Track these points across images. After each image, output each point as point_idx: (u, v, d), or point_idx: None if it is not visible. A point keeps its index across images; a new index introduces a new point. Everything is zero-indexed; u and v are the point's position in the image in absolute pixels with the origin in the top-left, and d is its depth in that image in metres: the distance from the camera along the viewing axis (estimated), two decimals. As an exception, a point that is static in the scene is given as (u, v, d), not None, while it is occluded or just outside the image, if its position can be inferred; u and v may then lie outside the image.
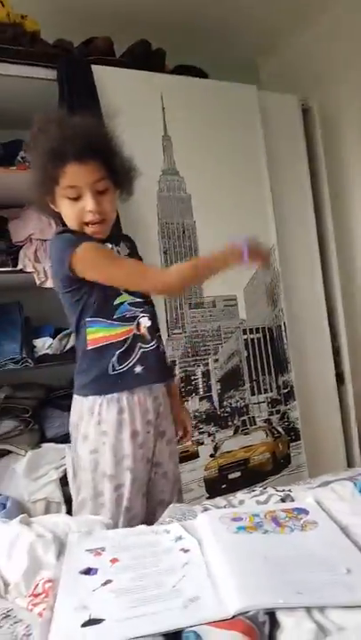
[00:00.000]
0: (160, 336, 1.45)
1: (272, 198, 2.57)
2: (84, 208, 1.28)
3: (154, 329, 1.40)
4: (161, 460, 1.41)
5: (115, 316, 1.34)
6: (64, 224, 2.24)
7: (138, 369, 1.35)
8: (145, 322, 1.36)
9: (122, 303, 1.35)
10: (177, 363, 2.21)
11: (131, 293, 1.36)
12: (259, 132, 2.57)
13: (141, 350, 1.36)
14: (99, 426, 1.34)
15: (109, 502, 1.32)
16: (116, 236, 1.45)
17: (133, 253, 1.49)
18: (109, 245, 1.38)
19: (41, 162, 1.28)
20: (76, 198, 1.28)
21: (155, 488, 1.41)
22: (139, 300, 1.37)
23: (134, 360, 1.35)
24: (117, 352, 1.34)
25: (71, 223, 1.33)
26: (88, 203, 1.28)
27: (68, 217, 1.33)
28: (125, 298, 1.35)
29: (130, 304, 1.36)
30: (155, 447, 1.40)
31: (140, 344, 1.36)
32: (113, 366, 1.34)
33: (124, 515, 1.32)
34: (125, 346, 1.34)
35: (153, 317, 1.41)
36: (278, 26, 2.93)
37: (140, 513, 1.35)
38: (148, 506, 1.39)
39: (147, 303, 1.40)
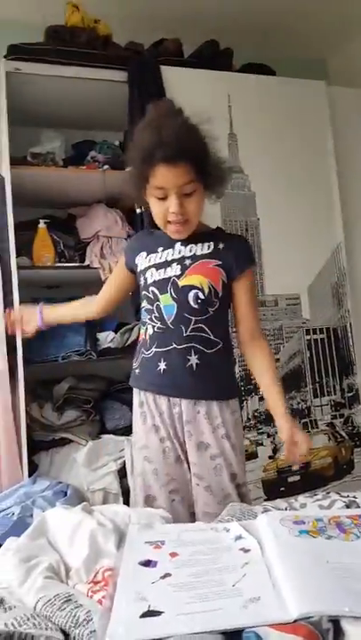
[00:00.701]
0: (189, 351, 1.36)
1: (340, 195, 2.51)
2: (168, 208, 1.30)
3: (160, 340, 1.37)
4: (200, 473, 1.38)
5: (140, 318, 1.46)
6: (130, 222, 2.30)
7: (137, 371, 1.44)
8: (149, 329, 1.39)
9: (142, 307, 1.43)
10: (237, 361, 2.19)
11: (147, 300, 1.40)
12: (327, 129, 2.53)
13: (142, 356, 1.42)
14: (134, 412, 1.46)
15: (138, 486, 1.43)
16: (207, 234, 1.42)
17: (215, 257, 1.38)
18: (179, 248, 1.38)
19: (136, 159, 1.31)
20: (163, 198, 1.30)
21: (199, 498, 1.39)
22: (150, 307, 1.39)
23: (138, 362, 1.44)
24: (136, 350, 1.46)
25: (156, 220, 1.37)
26: (172, 204, 1.29)
27: (154, 214, 1.36)
28: (144, 304, 1.42)
29: (145, 310, 1.42)
30: (185, 450, 1.39)
31: (142, 349, 1.42)
32: (133, 362, 1.47)
33: (144, 502, 1.38)
34: (137, 347, 1.46)
35: (163, 330, 1.37)
36: (347, 21, 2.87)
37: (166, 507, 1.34)
38: (196, 514, 1.39)
39: (158, 314, 1.38)
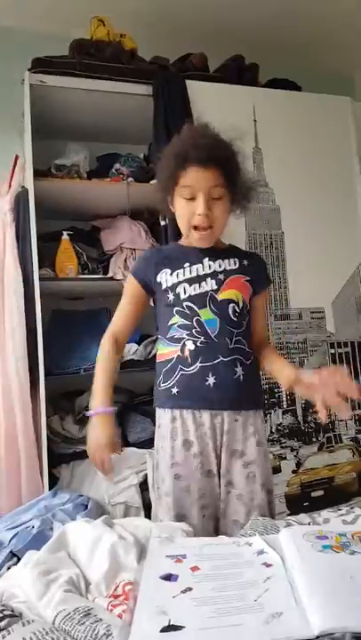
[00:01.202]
0: (231, 362, 1.34)
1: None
2: (195, 211, 1.32)
3: (206, 354, 1.34)
4: (233, 480, 1.36)
5: (167, 336, 1.38)
6: (154, 235, 2.31)
7: (174, 390, 1.35)
8: (189, 345, 1.34)
9: (173, 324, 1.37)
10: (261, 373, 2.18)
11: (181, 316, 1.36)
12: (352, 144, 2.54)
13: (181, 373, 1.35)
14: (159, 429, 1.40)
15: (165, 506, 1.36)
16: (229, 250, 1.45)
17: (243, 273, 1.41)
18: (208, 263, 1.38)
19: (166, 163, 1.34)
20: (190, 199, 1.32)
21: (228, 507, 1.37)
22: (188, 322, 1.36)
23: (173, 381, 1.36)
24: (163, 370, 1.38)
25: (181, 224, 1.39)
26: (200, 206, 1.31)
27: (179, 217, 1.38)
28: (176, 320, 1.37)
29: (179, 326, 1.37)
30: (219, 462, 1.36)
31: (180, 366, 1.35)
32: (159, 383, 1.39)
33: (176, 521, 1.32)
34: (169, 366, 1.37)
35: (207, 344, 1.34)
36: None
37: (197, 523, 1.32)
38: (222, 524, 1.37)
39: (201, 327, 1.35)
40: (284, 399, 2.24)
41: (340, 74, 3.17)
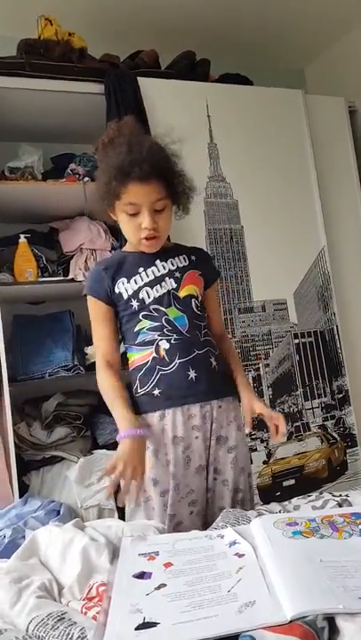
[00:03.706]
0: (201, 355, 1.38)
1: (320, 200, 2.54)
2: (140, 225, 1.33)
3: (182, 350, 1.35)
4: (220, 467, 1.40)
5: (137, 342, 1.39)
6: (113, 234, 2.29)
7: (156, 391, 1.36)
8: (163, 344, 1.36)
9: (142, 329, 1.38)
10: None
11: (149, 319, 1.37)
12: (306, 136, 2.57)
13: (160, 373, 1.36)
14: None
15: (158, 507, 1.34)
16: (175, 248, 1.47)
17: (195, 267, 1.45)
18: (161, 264, 1.41)
19: (106, 177, 1.33)
20: (135, 214, 1.33)
21: (215, 495, 1.40)
22: (157, 324, 1.37)
23: (153, 383, 1.36)
24: (138, 375, 1.39)
25: (128, 236, 1.40)
26: (145, 220, 1.32)
27: (125, 231, 1.39)
28: (145, 324, 1.38)
29: (148, 329, 1.38)
30: (209, 453, 1.38)
31: (158, 367, 1.36)
32: (137, 389, 1.39)
33: (169, 520, 1.33)
34: (145, 369, 1.38)
35: (181, 340, 1.36)
36: (324, 30, 2.93)
37: (186, 521, 1.33)
38: (210, 513, 1.39)
39: (172, 325, 1.37)
40: (252, 391, 2.26)
41: (291, 67, 3.21)
